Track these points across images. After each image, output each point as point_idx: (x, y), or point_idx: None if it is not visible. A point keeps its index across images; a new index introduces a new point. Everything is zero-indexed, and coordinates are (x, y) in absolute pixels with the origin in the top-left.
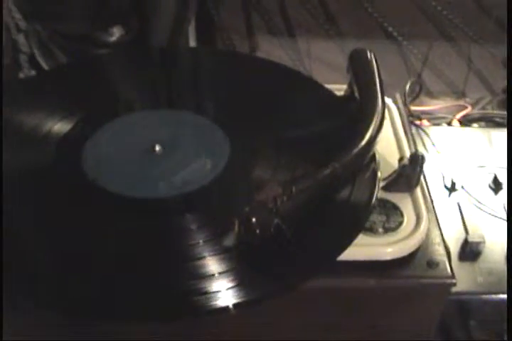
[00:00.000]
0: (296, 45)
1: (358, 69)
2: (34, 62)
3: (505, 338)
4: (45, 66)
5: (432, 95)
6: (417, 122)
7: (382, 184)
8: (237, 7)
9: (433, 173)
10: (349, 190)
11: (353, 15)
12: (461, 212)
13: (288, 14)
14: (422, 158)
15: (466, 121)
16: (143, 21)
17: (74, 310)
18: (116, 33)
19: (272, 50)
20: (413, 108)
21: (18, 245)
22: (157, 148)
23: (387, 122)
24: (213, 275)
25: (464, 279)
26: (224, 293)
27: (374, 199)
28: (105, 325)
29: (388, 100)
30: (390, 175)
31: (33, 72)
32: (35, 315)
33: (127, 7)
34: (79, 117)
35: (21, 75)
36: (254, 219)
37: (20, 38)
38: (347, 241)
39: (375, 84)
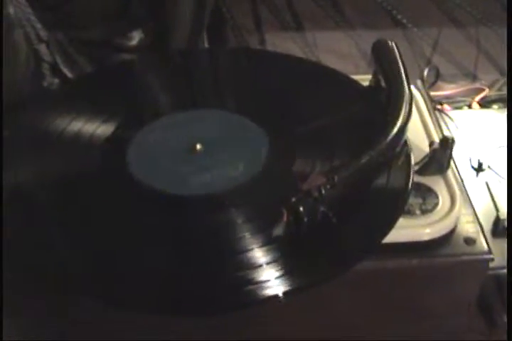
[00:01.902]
0: (304, 38)
1: (382, 60)
2: (57, 71)
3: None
4: (68, 74)
5: (446, 80)
6: (439, 107)
7: (415, 168)
8: (244, 1)
9: (459, 155)
10: (386, 176)
11: (359, 4)
12: (489, 191)
13: (294, 7)
14: (452, 141)
15: (485, 103)
16: (161, 24)
17: (127, 304)
18: (136, 37)
19: (281, 43)
20: (432, 93)
21: (71, 245)
22: (198, 146)
23: (413, 109)
24: (261, 265)
25: (499, 255)
26: (273, 281)
27: (410, 183)
28: (155, 319)
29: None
30: (421, 160)
31: (56, 81)
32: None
33: (145, 11)
34: (119, 120)
35: (45, 84)
36: (301, 209)
37: (42, 48)
38: (389, 225)
39: (400, 73)
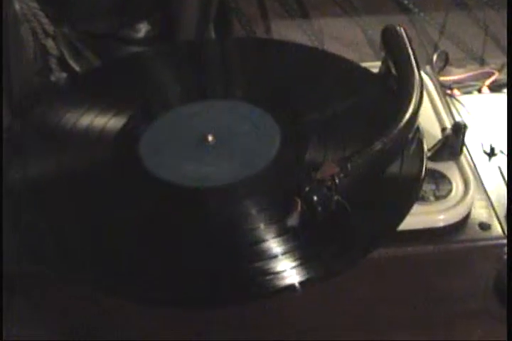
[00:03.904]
0: (310, 25)
1: (392, 46)
2: (64, 65)
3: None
4: (75, 67)
5: (455, 64)
6: (448, 92)
7: (428, 154)
8: None
9: (471, 140)
10: (400, 163)
11: None
12: (502, 175)
13: None
14: (465, 126)
15: (495, 87)
16: (168, 16)
17: (142, 295)
18: (142, 29)
19: (286, 31)
20: (442, 78)
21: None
22: (210, 137)
23: (424, 95)
24: (276, 256)
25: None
26: (289, 272)
27: (424, 169)
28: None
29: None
30: (434, 146)
31: (64, 75)
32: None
33: (151, 2)
34: (130, 113)
35: (52, 78)
36: (315, 198)
37: (49, 42)
38: (404, 212)
39: (410, 59)
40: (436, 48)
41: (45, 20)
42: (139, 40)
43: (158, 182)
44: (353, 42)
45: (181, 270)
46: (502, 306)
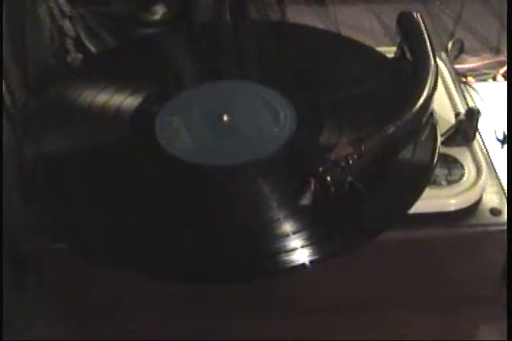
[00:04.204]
0: (326, 12)
1: (408, 31)
2: (80, 46)
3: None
4: (91, 48)
5: (469, 53)
6: (463, 79)
7: (441, 139)
8: None
9: (485, 127)
10: (413, 147)
11: None
12: None
13: None
14: (478, 112)
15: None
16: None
17: (159, 273)
18: (158, 12)
19: (302, 17)
20: (457, 66)
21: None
22: (225, 117)
23: (439, 81)
24: (288, 235)
25: None
26: (300, 250)
27: (437, 153)
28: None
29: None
30: (447, 131)
31: (80, 56)
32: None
33: None
34: (147, 92)
35: (68, 59)
36: (329, 178)
37: (66, 23)
38: (416, 195)
39: (426, 44)
40: (451, 37)
41: (62, 1)
42: (155, 23)
43: (174, 161)
44: (368, 30)
45: (195, 247)
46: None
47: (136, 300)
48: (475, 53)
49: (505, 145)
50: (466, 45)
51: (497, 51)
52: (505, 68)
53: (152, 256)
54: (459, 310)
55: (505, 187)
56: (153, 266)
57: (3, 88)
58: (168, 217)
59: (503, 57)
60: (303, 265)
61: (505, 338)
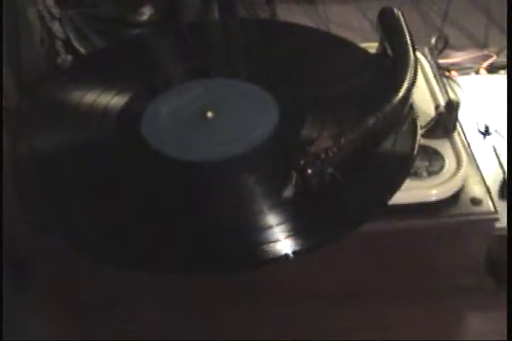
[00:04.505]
0: (316, 10)
1: (388, 27)
2: (69, 47)
3: None
4: (81, 50)
5: (457, 48)
6: (447, 74)
7: (421, 132)
8: None
9: (467, 120)
10: (393, 139)
11: None
12: (496, 154)
13: None
14: (457, 104)
15: (492, 69)
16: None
17: (148, 265)
18: (146, 13)
19: (292, 16)
20: (440, 61)
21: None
22: (209, 114)
23: (419, 74)
24: (271, 226)
25: (506, 216)
26: (283, 241)
27: (417, 145)
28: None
29: (418, 54)
30: (428, 123)
31: (70, 57)
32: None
33: None
34: (133, 91)
35: (59, 61)
36: (310, 171)
37: (55, 25)
38: (395, 186)
39: (406, 40)
40: (439, 33)
41: (51, 4)
42: (143, 24)
43: (159, 157)
44: (357, 27)
45: (183, 239)
46: (493, 282)
47: (135, 300)
48: (462, 49)
49: (487, 137)
50: (454, 41)
51: (484, 46)
52: (488, 61)
53: (141, 250)
54: (445, 300)
55: (491, 179)
56: (143, 259)
57: None
58: (154, 211)
59: (487, 52)
60: (286, 256)
61: (491, 326)
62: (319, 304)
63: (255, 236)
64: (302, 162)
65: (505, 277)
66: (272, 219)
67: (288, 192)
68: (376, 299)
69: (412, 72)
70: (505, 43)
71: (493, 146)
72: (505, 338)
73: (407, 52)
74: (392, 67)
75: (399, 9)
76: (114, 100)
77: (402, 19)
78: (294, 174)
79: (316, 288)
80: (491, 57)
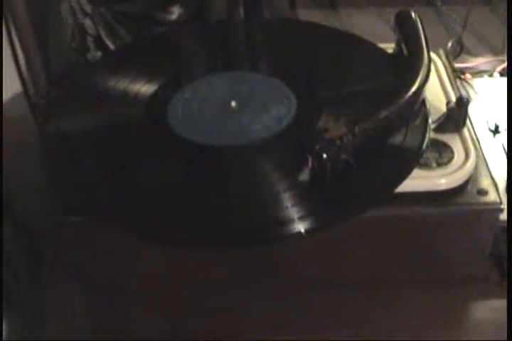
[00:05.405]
0: (338, 16)
1: (405, 28)
2: (99, 43)
3: None
4: (111, 46)
5: (472, 55)
6: (461, 76)
7: (433, 126)
8: None
9: (478, 119)
10: (405, 131)
11: None
12: (505, 151)
13: None
14: (467, 100)
15: (506, 73)
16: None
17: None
18: (175, 12)
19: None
20: (456, 65)
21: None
22: (233, 103)
23: (433, 73)
24: (287, 207)
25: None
26: (297, 221)
27: (427, 138)
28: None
29: (433, 54)
30: (439, 118)
31: (99, 53)
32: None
33: None
34: (162, 81)
35: (88, 56)
36: (325, 155)
37: (87, 21)
38: (404, 175)
39: (421, 41)
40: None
41: (83, 1)
42: (172, 22)
43: (184, 141)
44: (379, 34)
45: (200, 215)
46: (499, 273)
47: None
48: (478, 55)
49: (497, 136)
50: (471, 48)
51: (500, 53)
52: (502, 66)
53: (164, 224)
54: (449, 285)
55: (499, 175)
56: (164, 232)
57: (26, 77)
58: (180, 191)
59: (502, 57)
60: (299, 233)
61: (494, 315)
62: (327, 289)
63: (273, 215)
64: (318, 147)
65: (508, 268)
66: (287, 199)
67: (304, 176)
68: (383, 285)
69: (425, 70)
70: None
71: (502, 144)
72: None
73: (422, 52)
74: (407, 65)
75: (416, 12)
76: (143, 88)
77: (418, 21)
78: (310, 158)
79: (324, 274)
80: (505, 62)
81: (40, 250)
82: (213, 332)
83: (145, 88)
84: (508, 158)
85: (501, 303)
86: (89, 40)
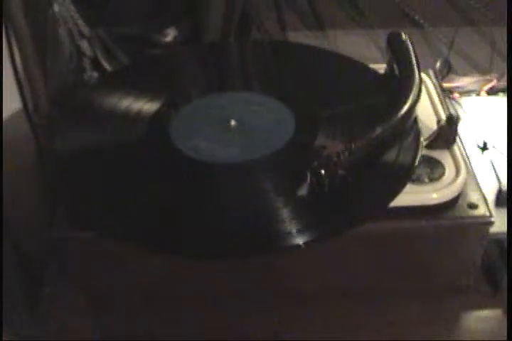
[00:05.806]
0: (326, 38)
1: (396, 49)
2: (96, 65)
3: None
4: (107, 67)
5: (459, 74)
6: (450, 95)
7: (424, 143)
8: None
9: (467, 136)
10: (398, 148)
11: (378, 7)
12: (493, 167)
13: (317, 8)
14: (457, 118)
15: (492, 92)
16: (195, 22)
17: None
18: (170, 34)
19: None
20: (444, 84)
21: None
22: (232, 122)
23: (424, 92)
24: (285, 220)
25: (501, 222)
26: (296, 233)
27: (419, 154)
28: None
29: (423, 74)
30: (430, 136)
31: (96, 74)
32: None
33: (180, 10)
34: (163, 100)
35: (85, 77)
36: (323, 171)
37: (84, 43)
38: (398, 190)
39: (412, 61)
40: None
41: (81, 23)
42: (167, 44)
43: (185, 159)
44: (368, 56)
45: (203, 228)
46: (490, 285)
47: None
48: (465, 75)
49: (485, 152)
50: (458, 68)
51: (486, 72)
52: (489, 85)
53: (168, 234)
54: (441, 299)
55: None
56: (168, 243)
57: (28, 96)
58: (181, 206)
59: (489, 76)
60: (298, 245)
61: (485, 325)
62: (320, 301)
63: (272, 229)
64: (316, 163)
65: (499, 280)
66: (286, 213)
67: (302, 191)
68: (375, 297)
69: (417, 90)
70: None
71: (491, 161)
72: (498, 338)
73: (413, 72)
74: (399, 85)
75: (406, 34)
76: (146, 105)
77: (409, 42)
78: (309, 174)
79: (319, 286)
80: (491, 81)
81: (39, 273)
82: None
83: (147, 107)
84: (508, 167)
85: (492, 313)
86: (86, 61)
